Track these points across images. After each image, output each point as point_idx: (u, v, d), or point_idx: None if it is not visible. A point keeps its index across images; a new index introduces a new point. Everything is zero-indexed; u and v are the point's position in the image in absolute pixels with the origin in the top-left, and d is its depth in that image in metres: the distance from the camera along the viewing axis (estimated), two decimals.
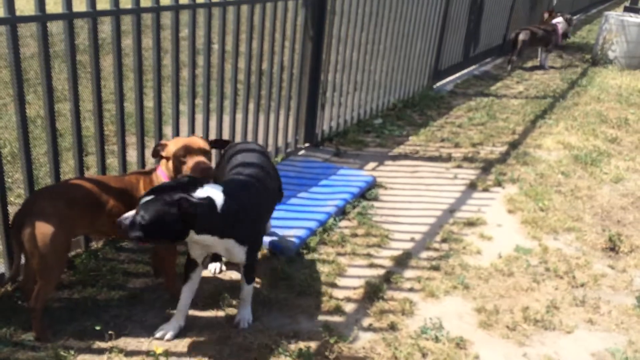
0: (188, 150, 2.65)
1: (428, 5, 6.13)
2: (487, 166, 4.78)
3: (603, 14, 9.44)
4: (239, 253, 2.47)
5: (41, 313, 2.45)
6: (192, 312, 2.72)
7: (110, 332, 2.52)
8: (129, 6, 2.94)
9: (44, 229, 2.32)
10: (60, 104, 4.04)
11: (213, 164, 2.91)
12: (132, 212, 2.27)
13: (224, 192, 2.36)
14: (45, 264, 2.36)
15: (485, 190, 4.36)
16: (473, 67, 8.34)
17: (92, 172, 3.60)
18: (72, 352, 2.40)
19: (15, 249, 2.43)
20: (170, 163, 2.67)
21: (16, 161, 3.81)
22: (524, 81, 7.86)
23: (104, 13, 2.79)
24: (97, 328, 2.52)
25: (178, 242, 2.44)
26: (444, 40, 6.85)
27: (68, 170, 3.56)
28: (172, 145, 2.68)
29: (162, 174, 2.70)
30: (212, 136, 3.87)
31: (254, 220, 2.53)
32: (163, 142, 2.74)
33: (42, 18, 2.50)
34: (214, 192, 2.33)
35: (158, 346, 2.44)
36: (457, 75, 7.75)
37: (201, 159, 2.64)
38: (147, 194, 2.26)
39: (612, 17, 9.08)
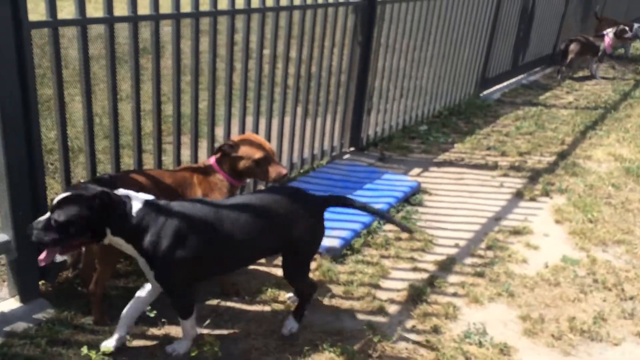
0: (266, 158, 2.77)
1: (477, 13, 6.11)
2: (534, 175, 4.72)
3: None
4: (149, 273, 2.28)
5: (100, 298, 2.59)
6: (240, 306, 2.82)
7: (163, 319, 2.64)
8: (188, 10, 3.07)
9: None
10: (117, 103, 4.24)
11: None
12: (44, 216, 2.16)
13: (149, 202, 2.23)
14: (104, 251, 2.49)
15: (532, 199, 4.31)
16: (521, 76, 8.23)
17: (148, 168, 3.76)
18: (127, 337, 2.53)
19: None
20: (242, 163, 2.76)
21: (76, 156, 4.02)
22: (574, 91, 7.71)
23: (165, 17, 2.93)
24: (151, 315, 2.63)
25: (95, 242, 2.24)
26: (492, 48, 6.80)
27: (124, 167, 3.74)
28: (247, 148, 2.77)
29: (218, 170, 2.81)
30: (262, 137, 3.97)
31: (172, 248, 2.21)
32: (232, 142, 2.82)
33: (109, 20, 2.66)
34: (135, 197, 2.23)
35: (211, 336, 2.53)
36: (505, 83, 7.66)
37: (278, 165, 2.79)
38: (63, 193, 2.16)
39: None
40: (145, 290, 2.45)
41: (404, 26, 5.01)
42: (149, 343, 2.53)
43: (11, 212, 2.55)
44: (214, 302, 2.84)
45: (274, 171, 2.81)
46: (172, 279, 2.30)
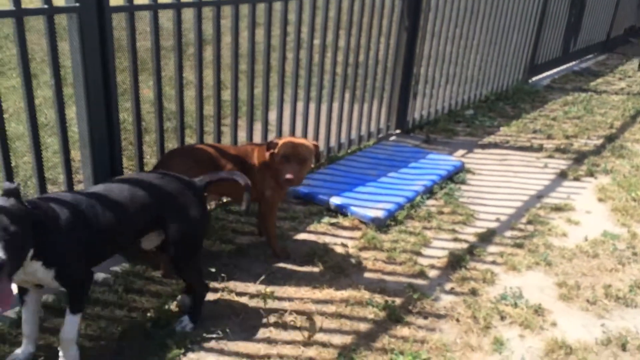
0: (288, 157, 2.91)
1: None
2: (579, 157, 4.77)
3: None
4: (44, 276, 2.08)
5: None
6: (291, 267, 3.08)
7: (222, 274, 2.93)
8: None
9: None
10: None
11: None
12: None
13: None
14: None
15: (576, 179, 4.38)
16: (573, 63, 8.15)
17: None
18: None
19: None
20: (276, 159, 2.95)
21: (144, 135, 4.39)
22: (627, 78, 7.58)
23: (226, 2, 3.22)
24: (212, 270, 2.93)
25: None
26: (541, 34, 6.80)
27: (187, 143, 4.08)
28: (281, 147, 2.94)
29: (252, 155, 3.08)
30: (311, 122, 4.23)
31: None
32: (276, 140, 2.98)
33: (177, 5, 2.97)
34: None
35: (265, 289, 2.81)
36: (555, 70, 7.62)
37: (296, 169, 2.88)
38: None
39: None
40: (29, 297, 2.27)
41: (450, 12, 5.14)
42: (210, 294, 2.83)
43: (93, 175, 2.90)
44: (268, 262, 3.11)
45: (284, 171, 2.88)
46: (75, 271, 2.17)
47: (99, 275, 2.87)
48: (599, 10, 8.26)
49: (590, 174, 4.46)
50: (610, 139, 5.22)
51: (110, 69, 2.76)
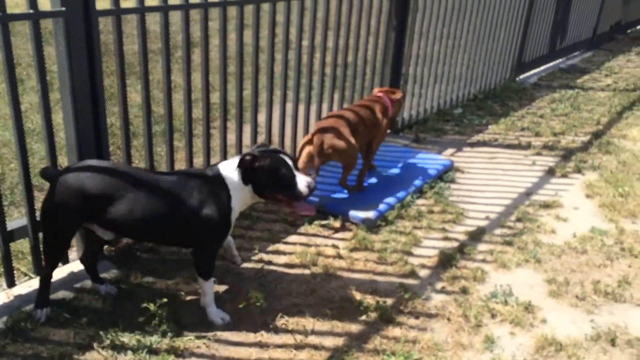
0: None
1: None
2: (567, 154, 4.81)
3: None
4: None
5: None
6: (282, 269, 3.08)
7: (214, 279, 2.92)
8: None
9: (340, 139, 3.54)
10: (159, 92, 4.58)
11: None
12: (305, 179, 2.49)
13: None
14: (347, 158, 3.60)
15: (564, 176, 4.42)
16: (559, 60, 8.21)
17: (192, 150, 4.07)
18: (182, 293, 2.82)
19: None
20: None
21: (132, 140, 4.37)
22: (613, 74, 7.66)
23: (214, 4, 3.21)
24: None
25: None
26: (528, 32, 6.84)
27: (176, 148, 4.07)
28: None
29: (386, 100, 4.01)
30: (301, 123, 4.23)
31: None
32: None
33: (164, 8, 2.96)
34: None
35: (254, 292, 2.80)
36: (542, 68, 7.68)
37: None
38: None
39: None
40: None
41: (438, 11, 5.16)
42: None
43: None
44: (258, 265, 3.11)
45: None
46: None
47: (87, 283, 2.86)
48: (585, 7, 8.33)
49: (578, 170, 4.50)
50: (597, 135, 5.27)
51: (97, 73, 2.74)
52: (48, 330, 2.52)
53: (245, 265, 3.11)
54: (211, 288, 2.65)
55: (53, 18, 2.55)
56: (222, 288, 2.89)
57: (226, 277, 2.99)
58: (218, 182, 2.51)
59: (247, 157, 2.48)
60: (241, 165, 2.49)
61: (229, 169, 2.53)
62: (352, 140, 3.58)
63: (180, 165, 3.75)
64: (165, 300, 2.67)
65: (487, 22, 5.92)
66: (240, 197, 2.55)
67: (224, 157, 3.66)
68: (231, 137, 3.88)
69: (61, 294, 2.76)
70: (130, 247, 3.20)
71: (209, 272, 2.60)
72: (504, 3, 6.08)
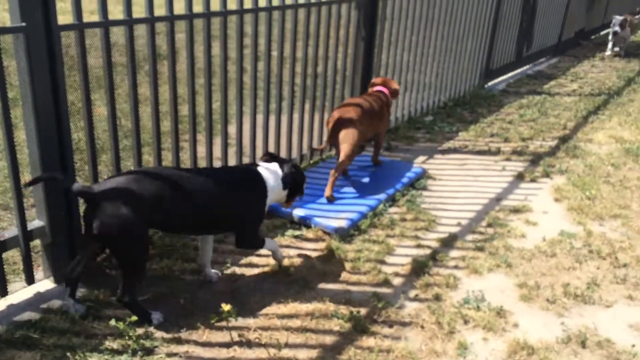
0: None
1: (478, 6, 6.30)
2: (535, 159, 4.90)
3: None
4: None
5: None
6: (255, 282, 3.05)
7: (185, 295, 2.88)
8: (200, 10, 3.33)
9: (351, 131, 3.94)
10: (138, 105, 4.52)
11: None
12: None
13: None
14: (349, 149, 3.89)
15: (533, 180, 4.49)
16: (527, 66, 8.38)
17: (162, 163, 4.02)
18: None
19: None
20: None
21: (99, 155, 4.31)
22: (578, 79, 7.84)
23: (180, 17, 3.19)
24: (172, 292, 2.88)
25: None
26: (495, 40, 6.97)
27: (145, 163, 4.01)
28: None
29: (386, 91, 4.42)
30: (272, 134, 4.22)
31: None
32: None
33: (129, 22, 2.92)
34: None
35: (226, 306, 2.77)
36: (510, 74, 7.83)
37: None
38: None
39: None
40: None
41: (406, 21, 5.22)
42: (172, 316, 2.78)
43: (45, 201, 2.82)
44: (231, 279, 3.07)
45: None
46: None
47: (54, 303, 2.78)
48: (549, 14, 8.53)
49: (546, 174, 4.58)
50: (564, 140, 5.38)
51: (60, 89, 2.69)
52: (14, 352, 2.45)
53: (218, 280, 3.07)
54: (272, 245, 3.10)
55: (13, 34, 2.50)
56: (193, 304, 2.85)
57: (198, 292, 2.94)
58: (259, 181, 2.98)
59: (294, 172, 3.13)
60: (287, 179, 3.10)
61: (269, 177, 3.02)
62: (357, 130, 3.97)
63: None
64: (134, 318, 2.62)
65: (454, 32, 6.01)
66: (274, 195, 3.06)
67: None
68: (201, 150, 3.85)
69: (27, 315, 2.69)
70: (100, 264, 3.13)
71: (259, 242, 3.03)
72: (471, 13, 6.19)
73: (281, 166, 3.10)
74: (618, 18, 8.88)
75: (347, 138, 3.93)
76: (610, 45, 9.13)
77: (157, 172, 2.70)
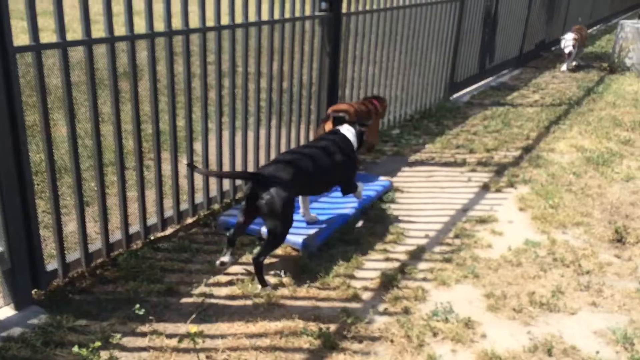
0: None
1: (441, 21, 6.42)
2: (500, 169, 4.99)
3: (619, 22, 9.58)
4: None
5: None
6: (223, 302, 3.01)
7: (150, 317, 2.82)
8: (162, 29, 3.31)
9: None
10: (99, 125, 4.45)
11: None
12: None
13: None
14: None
15: (498, 191, 4.57)
16: (490, 78, 8.56)
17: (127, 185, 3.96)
18: (118, 335, 2.70)
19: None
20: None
21: (62, 176, 4.21)
22: (540, 90, 8.05)
23: (141, 37, 3.16)
24: (140, 313, 2.81)
25: None
26: (458, 53, 7.11)
27: (109, 183, 3.94)
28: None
29: (376, 103, 4.76)
30: (239, 150, 4.20)
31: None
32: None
33: (88, 42, 2.88)
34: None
35: (192, 327, 2.72)
36: (474, 87, 7.98)
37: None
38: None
39: (627, 25, 9.21)
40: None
41: (370, 36, 5.28)
42: (139, 339, 2.72)
43: (4, 226, 2.74)
44: (199, 299, 3.03)
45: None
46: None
47: (15, 330, 2.70)
48: (510, 27, 8.76)
49: (511, 184, 4.66)
50: (527, 149, 5.50)
51: (17, 111, 2.63)
52: None
53: (185, 300, 3.02)
54: (361, 186, 3.89)
55: None
56: (160, 327, 2.79)
57: (164, 314, 2.89)
58: (349, 142, 3.78)
59: (360, 130, 3.89)
60: (359, 135, 3.88)
61: (349, 134, 3.81)
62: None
63: (114, 199, 3.63)
64: (99, 344, 2.55)
65: (418, 46, 6.11)
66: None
67: (159, 188, 3.57)
68: (166, 168, 3.80)
69: None
70: (62, 289, 3.05)
71: (356, 187, 3.83)
72: (433, 28, 6.31)
73: (352, 126, 3.87)
74: (568, 39, 8.99)
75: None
76: (565, 65, 9.28)
77: (299, 155, 3.44)
